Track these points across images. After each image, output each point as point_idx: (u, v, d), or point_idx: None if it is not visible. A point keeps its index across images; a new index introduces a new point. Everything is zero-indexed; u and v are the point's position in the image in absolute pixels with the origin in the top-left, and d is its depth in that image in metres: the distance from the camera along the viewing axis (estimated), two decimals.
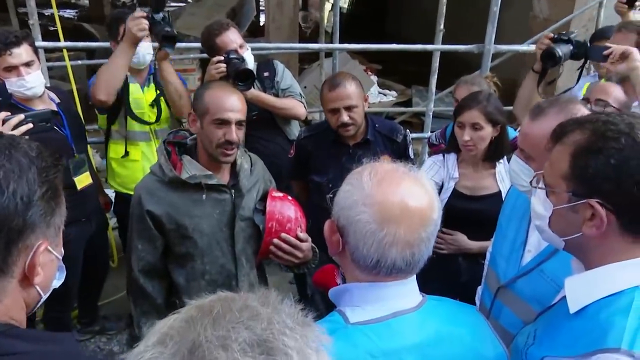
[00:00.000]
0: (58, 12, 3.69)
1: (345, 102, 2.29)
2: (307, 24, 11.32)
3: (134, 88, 2.73)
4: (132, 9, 2.69)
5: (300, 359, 0.51)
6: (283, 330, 0.52)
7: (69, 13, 10.34)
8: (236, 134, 1.75)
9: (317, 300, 2.90)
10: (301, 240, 1.80)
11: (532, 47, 3.89)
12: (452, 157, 2.30)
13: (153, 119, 2.76)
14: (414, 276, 0.99)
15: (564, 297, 1.04)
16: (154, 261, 1.84)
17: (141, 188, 1.82)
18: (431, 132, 3.57)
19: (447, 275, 2.32)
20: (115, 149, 2.77)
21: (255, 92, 2.68)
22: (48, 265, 0.84)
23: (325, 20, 6.77)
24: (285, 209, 1.82)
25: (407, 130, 2.64)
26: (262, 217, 1.84)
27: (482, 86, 2.62)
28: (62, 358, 0.80)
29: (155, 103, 2.77)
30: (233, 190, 1.84)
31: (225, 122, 1.73)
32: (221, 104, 1.74)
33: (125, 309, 3.19)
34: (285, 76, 2.85)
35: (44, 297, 0.88)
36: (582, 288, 1.01)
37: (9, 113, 2.04)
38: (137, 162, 2.76)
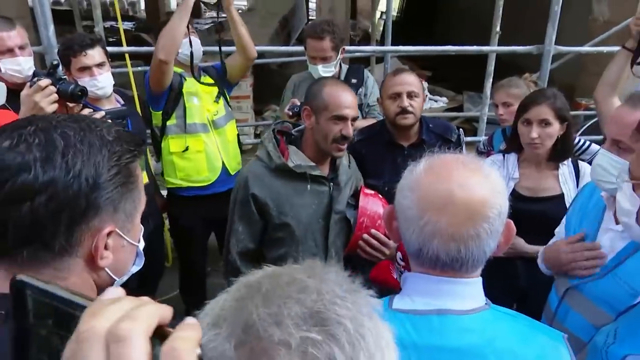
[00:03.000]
0: (117, 24, 3.87)
1: (407, 87, 2.31)
2: (355, 32, 11.38)
3: (190, 81, 2.77)
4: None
5: (354, 326, 0.50)
6: (333, 300, 0.51)
7: (127, 25, 10.84)
8: (351, 129, 1.83)
9: None
10: (389, 238, 1.82)
11: (596, 49, 3.75)
12: (512, 157, 2.21)
13: (211, 110, 2.80)
14: (477, 279, 0.91)
15: None
16: (251, 246, 1.91)
17: (248, 172, 1.90)
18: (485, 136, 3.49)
19: (506, 279, 2.24)
20: (176, 143, 2.78)
21: None
22: (119, 250, 0.84)
23: (376, 28, 6.75)
24: (377, 207, 1.87)
25: (461, 129, 2.60)
26: (354, 211, 1.89)
27: (521, 87, 2.56)
28: None
29: (218, 98, 2.83)
30: (332, 184, 1.91)
31: (342, 118, 1.80)
32: (339, 101, 1.81)
33: (178, 307, 3.27)
34: (374, 91, 2.89)
35: (118, 281, 0.88)
36: None
37: (91, 110, 2.14)
38: (200, 152, 2.78)
